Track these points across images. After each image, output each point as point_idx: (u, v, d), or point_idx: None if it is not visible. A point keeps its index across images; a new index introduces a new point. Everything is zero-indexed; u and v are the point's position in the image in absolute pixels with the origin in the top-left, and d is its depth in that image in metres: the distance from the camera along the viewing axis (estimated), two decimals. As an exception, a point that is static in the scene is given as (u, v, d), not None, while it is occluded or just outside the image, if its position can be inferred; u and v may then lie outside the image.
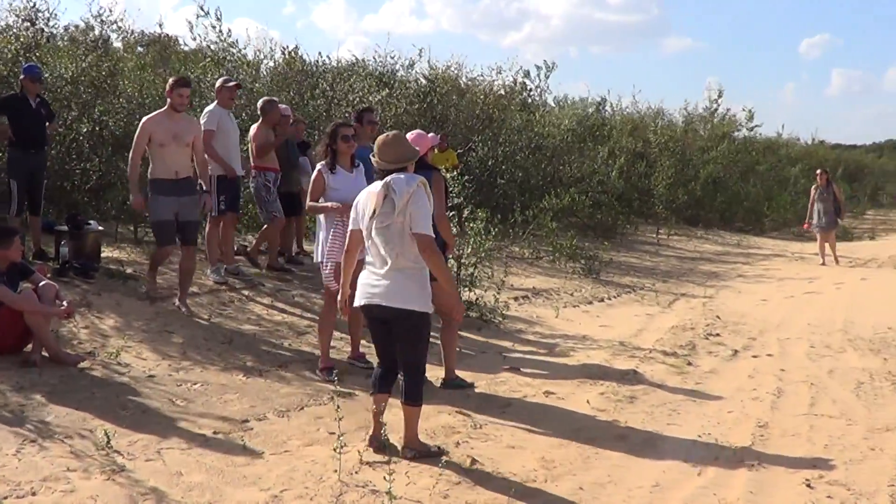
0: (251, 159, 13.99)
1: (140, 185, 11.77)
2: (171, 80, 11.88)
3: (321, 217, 10.02)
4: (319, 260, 10.02)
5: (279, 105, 14.50)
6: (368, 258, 7.56)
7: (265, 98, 14.69)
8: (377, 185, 7.43)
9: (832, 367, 11.49)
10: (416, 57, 25.46)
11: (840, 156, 67.18)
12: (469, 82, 26.45)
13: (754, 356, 12.23)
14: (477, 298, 13.53)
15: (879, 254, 27.38)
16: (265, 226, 14.10)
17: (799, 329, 14.10)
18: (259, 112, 14.12)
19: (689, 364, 11.63)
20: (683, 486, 7.31)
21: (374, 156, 7.58)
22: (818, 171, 25.00)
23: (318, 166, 10.06)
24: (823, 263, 23.64)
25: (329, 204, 9.74)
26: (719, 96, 39.90)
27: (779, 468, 7.76)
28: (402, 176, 7.38)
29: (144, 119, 11.71)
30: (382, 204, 7.23)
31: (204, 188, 12.06)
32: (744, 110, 41.09)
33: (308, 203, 10.10)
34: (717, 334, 13.63)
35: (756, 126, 41.60)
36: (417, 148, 8.67)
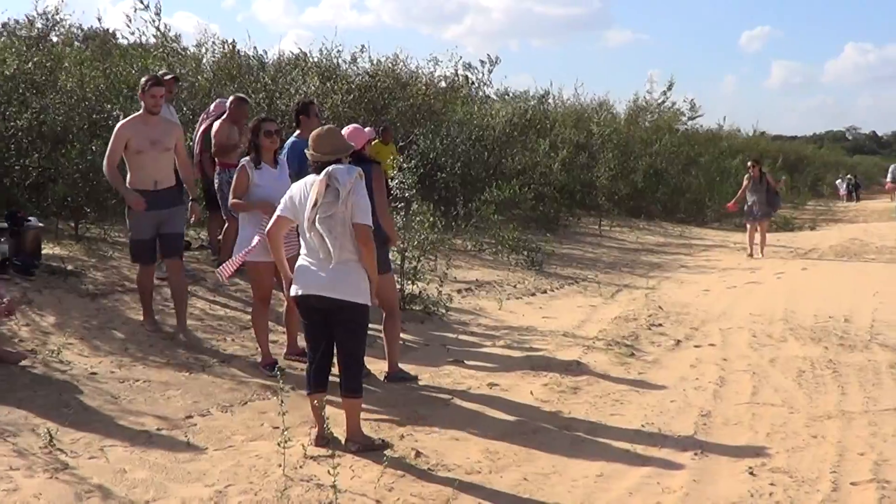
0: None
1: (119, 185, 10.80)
2: (142, 81, 10.96)
3: (243, 215, 9.94)
4: (254, 259, 9.79)
5: (221, 100, 14.42)
6: (305, 249, 7.55)
7: (235, 95, 14.51)
8: (313, 176, 7.43)
9: (774, 357, 11.60)
10: (357, 51, 25.37)
11: (781, 147, 67.68)
12: (410, 75, 26.43)
13: (696, 346, 12.32)
14: (420, 291, 13.54)
15: (820, 244, 27.67)
16: (227, 225, 13.96)
17: (741, 319, 14.22)
18: (228, 106, 13.98)
19: (632, 354, 11.71)
20: (627, 475, 7.37)
21: (308, 149, 7.58)
22: (750, 163, 24.84)
23: (243, 162, 9.96)
24: (751, 254, 23.44)
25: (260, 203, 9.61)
26: (669, 88, 40.21)
27: (721, 457, 7.84)
28: (342, 166, 7.39)
29: (119, 124, 10.81)
30: (325, 193, 7.22)
31: (190, 196, 11.22)
32: (685, 101, 41.40)
33: (232, 200, 9.95)
34: (660, 325, 13.72)
35: (698, 117, 41.96)
36: (354, 142, 8.72)
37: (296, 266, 7.63)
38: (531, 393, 9.71)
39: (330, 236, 7.27)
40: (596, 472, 7.43)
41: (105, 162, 10.66)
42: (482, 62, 28.15)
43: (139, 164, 10.59)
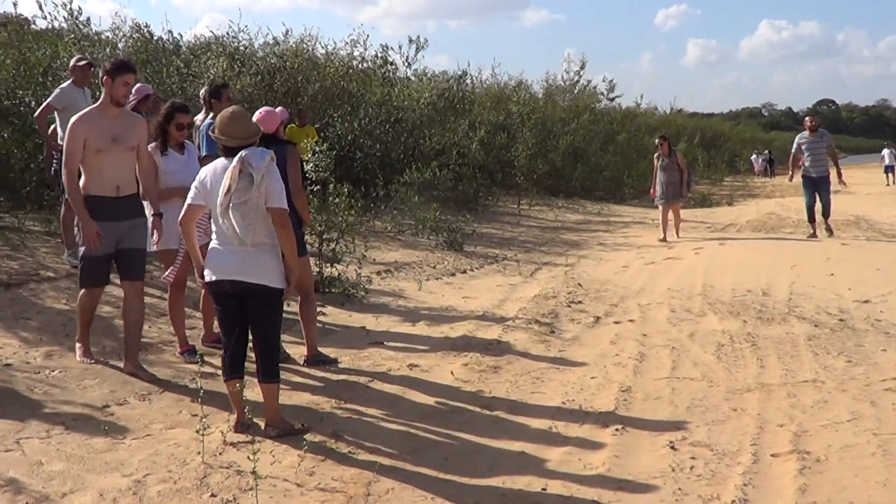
0: None
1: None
2: (108, 65, 9.30)
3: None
4: (163, 247, 9.64)
5: (142, 85, 14.28)
6: (216, 235, 7.45)
7: (218, 82, 14.27)
8: (224, 161, 7.34)
9: (693, 331, 11.69)
10: (265, 32, 25.27)
11: (697, 124, 68.38)
12: (325, 56, 26.31)
13: (616, 322, 12.38)
14: (339, 274, 13.48)
15: (737, 219, 27.98)
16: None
17: (660, 294, 14.31)
18: (208, 98, 13.81)
19: (552, 332, 11.73)
20: (548, 453, 7.37)
21: (214, 131, 7.47)
22: (658, 140, 23.25)
23: (148, 147, 9.55)
24: (664, 239, 22.00)
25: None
26: (582, 67, 40.35)
27: (642, 431, 7.89)
28: (254, 150, 7.30)
29: (74, 119, 9.06)
30: (238, 179, 7.14)
31: (153, 211, 9.39)
32: (603, 80, 41.62)
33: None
34: (580, 302, 13.76)
35: (616, 96, 42.20)
36: (266, 125, 8.66)
37: (208, 251, 7.54)
38: (451, 373, 9.69)
39: (243, 222, 7.19)
40: (517, 450, 7.43)
41: (63, 170, 9.14)
42: (410, 41, 28.22)
43: (97, 166, 8.96)
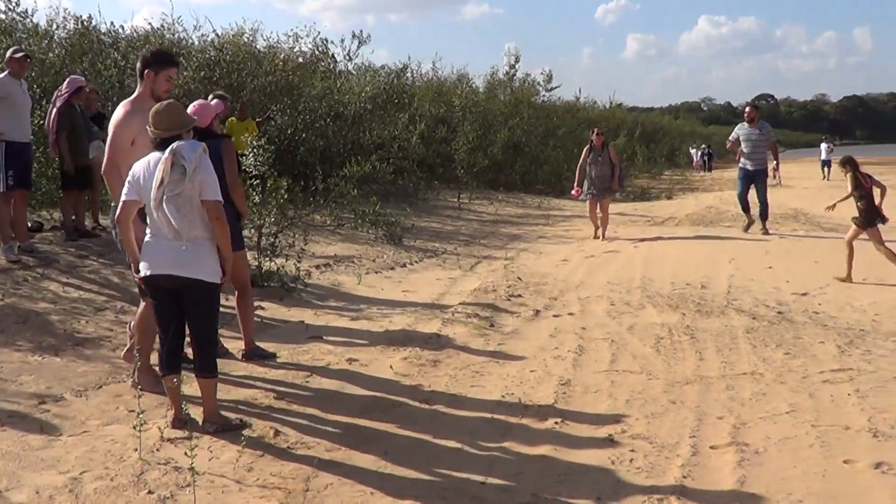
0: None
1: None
2: (149, 56, 8.79)
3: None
4: None
5: (74, 76, 14.23)
6: (151, 228, 7.36)
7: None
8: (157, 154, 7.25)
9: (632, 324, 11.72)
10: (203, 24, 25.13)
11: (637, 118, 68.71)
12: (266, 50, 26.19)
13: (555, 316, 12.39)
14: (278, 268, 13.40)
15: (677, 212, 28.12)
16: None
17: (599, 287, 14.34)
18: None
19: (492, 326, 11.73)
20: (488, 446, 7.37)
21: (149, 125, 7.40)
22: (593, 132, 21.75)
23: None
24: (596, 237, 21.06)
25: None
26: (517, 61, 40.34)
27: (582, 425, 7.88)
28: (186, 143, 7.23)
29: (127, 110, 8.45)
30: (171, 171, 7.06)
31: None
32: (543, 74, 41.66)
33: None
34: (519, 295, 13.75)
35: (555, 88, 42.28)
36: (200, 118, 8.58)
37: (143, 245, 7.45)
38: (391, 367, 9.67)
39: (178, 215, 7.12)
40: (457, 444, 7.42)
41: (107, 165, 8.39)
42: (353, 35, 28.17)
43: (129, 166, 7.82)
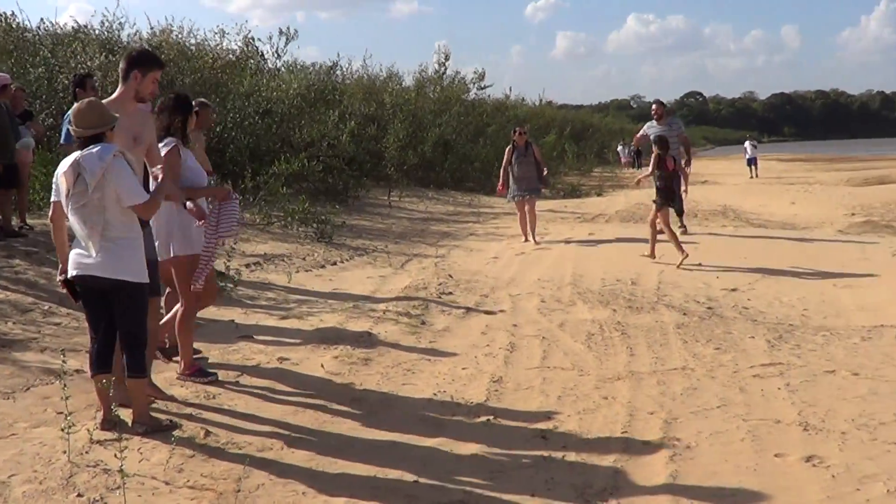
0: None
1: None
2: (134, 55, 8.41)
3: (171, 206, 8.63)
4: (188, 252, 8.85)
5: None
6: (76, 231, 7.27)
7: (199, 101, 14.10)
8: (76, 154, 7.17)
9: (563, 321, 11.75)
10: (135, 20, 24.87)
11: (567, 115, 69.01)
12: (196, 47, 26.00)
13: (487, 313, 12.41)
14: (208, 267, 13.30)
15: (607, 209, 28.29)
16: None
17: (530, 284, 14.37)
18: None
19: (423, 323, 11.72)
20: (421, 444, 7.38)
21: (70, 124, 7.31)
22: (515, 131, 20.61)
23: (173, 142, 8.77)
24: (526, 240, 19.82)
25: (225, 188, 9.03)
26: (446, 59, 40.37)
27: (514, 422, 7.91)
28: (95, 150, 7.11)
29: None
30: (74, 184, 6.98)
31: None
32: (475, 73, 41.72)
33: (175, 182, 8.39)
34: (450, 293, 13.76)
35: (486, 87, 42.33)
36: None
37: (72, 247, 7.36)
38: (322, 366, 9.63)
39: (83, 225, 7.06)
40: (389, 442, 7.41)
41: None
42: (281, 32, 28.04)
43: None
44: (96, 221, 7.07)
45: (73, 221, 7.10)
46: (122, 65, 8.29)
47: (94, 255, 7.09)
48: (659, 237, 16.63)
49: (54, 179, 7.31)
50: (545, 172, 20.59)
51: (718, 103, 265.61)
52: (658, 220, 16.56)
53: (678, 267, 15.51)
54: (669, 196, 16.52)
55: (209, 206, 8.94)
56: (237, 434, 7.51)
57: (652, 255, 16.40)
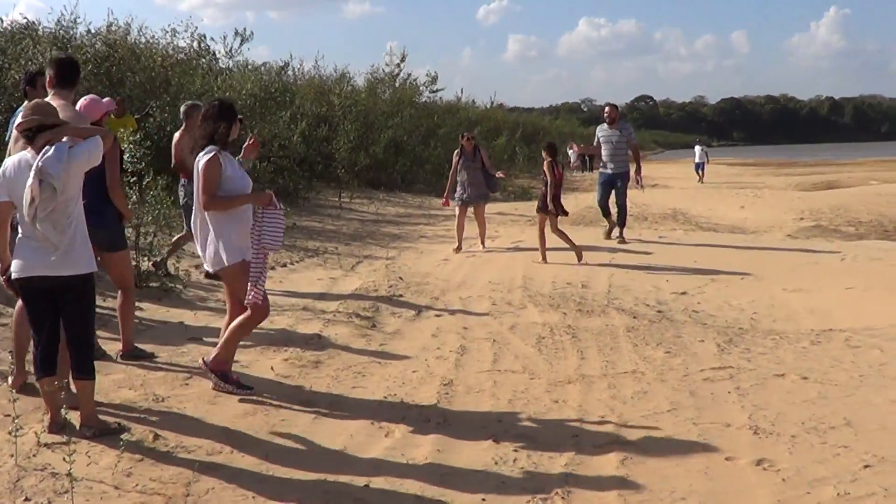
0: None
1: None
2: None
3: (219, 215, 8.51)
4: (232, 260, 8.55)
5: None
6: (25, 231, 7.16)
7: (190, 102, 14.09)
8: (27, 156, 7.09)
9: (514, 324, 11.76)
10: (86, 18, 24.62)
11: (518, 118, 69.09)
12: (146, 45, 25.83)
13: (437, 315, 12.40)
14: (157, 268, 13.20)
15: (557, 212, 28.22)
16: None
17: (480, 287, 14.36)
18: (182, 117, 13.96)
19: (374, 326, 11.69)
20: (371, 448, 7.35)
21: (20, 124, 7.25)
22: (464, 136, 19.80)
23: (213, 151, 8.48)
24: (458, 248, 18.92)
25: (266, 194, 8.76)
26: (402, 60, 40.42)
27: (465, 425, 7.91)
28: (51, 152, 7.04)
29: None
30: (41, 191, 6.90)
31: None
32: (427, 75, 41.79)
33: (212, 194, 8.38)
34: (401, 295, 13.73)
35: (439, 89, 42.43)
36: (89, 114, 8.44)
37: (16, 246, 7.27)
38: (272, 368, 9.58)
39: (55, 231, 6.98)
40: (340, 446, 7.38)
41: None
42: (236, 33, 27.96)
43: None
44: (66, 224, 7.02)
45: (42, 230, 6.97)
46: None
47: (55, 255, 7.02)
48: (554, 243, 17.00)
49: (2, 178, 7.21)
50: (499, 175, 20.05)
51: (669, 107, 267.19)
52: (547, 225, 17.27)
53: (535, 262, 16.69)
54: (556, 203, 17.18)
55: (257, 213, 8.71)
56: (186, 437, 7.44)
57: (542, 259, 17.10)
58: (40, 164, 6.93)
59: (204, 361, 8.81)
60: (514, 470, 6.86)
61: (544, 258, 16.94)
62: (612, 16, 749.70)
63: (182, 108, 14.13)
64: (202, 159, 8.43)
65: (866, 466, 6.78)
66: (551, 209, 17.00)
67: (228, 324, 8.91)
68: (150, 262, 13.62)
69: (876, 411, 8.14)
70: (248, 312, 8.65)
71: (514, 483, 6.59)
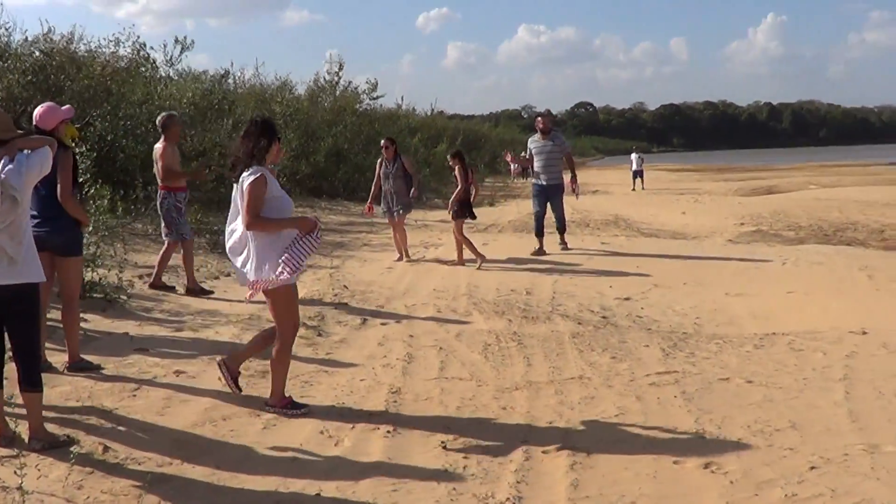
0: (159, 178, 14.06)
1: None
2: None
3: (262, 239, 8.35)
4: (271, 275, 8.31)
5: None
6: None
7: (165, 114, 14.05)
8: None
9: (459, 331, 11.80)
10: (23, 26, 24.39)
11: (458, 125, 69.21)
12: (87, 54, 25.62)
13: (383, 324, 12.41)
14: (101, 278, 13.10)
15: (499, 219, 28.42)
16: (183, 251, 14.29)
17: (425, 295, 14.40)
18: (160, 129, 13.97)
19: (320, 335, 11.69)
20: (322, 456, 7.39)
21: None
22: (384, 142, 19.32)
23: (260, 172, 8.31)
24: (400, 259, 18.81)
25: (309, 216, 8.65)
26: (340, 68, 40.43)
27: (414, 432, 7.94)
28: (12, 165, 7.02)
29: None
30: (2, 202, 6.87)
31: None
32: (367, 83, 41.85)
33: (251, 218, 8.24)
34: (346, 304, 13.73)
35: (379, 96, 42.48)
36: (45, 123, 8.43)
37: None
38: (219, 379, 9.48)
39: (12, 243, 6.96)
40: (290, 455, 7.39)
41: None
42: (176, 41, 27.81)
43: None
44: (22, 235, 7.01)
45: (0, 242, 6.94)
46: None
47: (7, 265, 6.97)
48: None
49: None
50: (414, 190, 18.90)
51: (609, 114, 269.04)
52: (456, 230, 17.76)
53: (478, 269, 16.90)
54: (463, 208, 17.61)
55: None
56: (137, 449, 7.42)
57: (460, 262, 17.80)
58: (3, 176, 6.90)
59: (267, 405, 8.63)
60: (465, 476, 6.89)
61: (461, 260, 17.69)
62: (551, 23, 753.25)
63: (158, 120, 14.21)
64: (247, 179, 8.28)
65: (812, 468, 6.89)
66: (454, 211, 17.68)
67: (261, 337, 9.06)
68: (147, 285, 14.03)
69: (820, 413, 8.26)
70: (278, 339, 8.62)
71: (466, 490, 6.62)
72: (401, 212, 18.77)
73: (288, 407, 8.56)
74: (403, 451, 7.46)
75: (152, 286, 14.09)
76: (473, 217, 17.91)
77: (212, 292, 14.32)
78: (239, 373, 8.97)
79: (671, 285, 15.08)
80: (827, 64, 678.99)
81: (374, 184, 19.19)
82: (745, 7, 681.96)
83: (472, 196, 17.63)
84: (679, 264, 16.94)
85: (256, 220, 8.19)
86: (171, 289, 14.32)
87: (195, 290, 14.15)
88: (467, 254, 17.50)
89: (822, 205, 31.33)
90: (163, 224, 14.28)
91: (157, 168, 13.98)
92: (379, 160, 19.20)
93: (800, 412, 8.29)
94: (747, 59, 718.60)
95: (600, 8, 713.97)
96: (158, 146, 13.92)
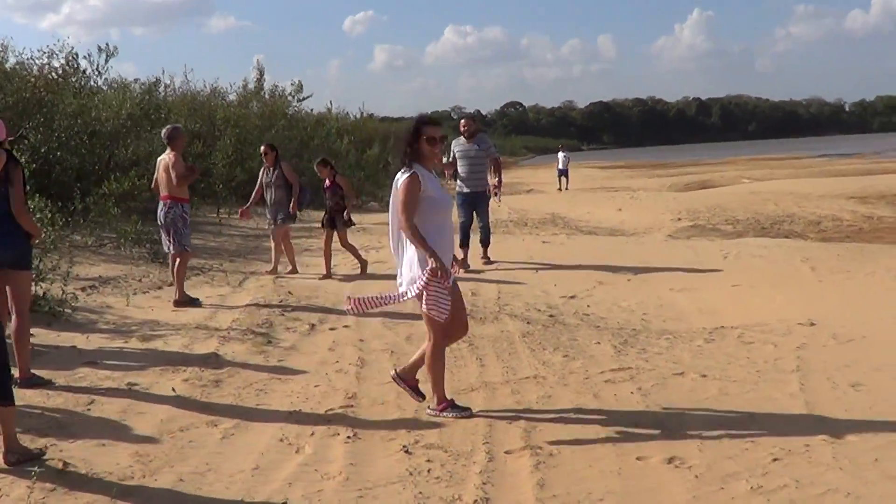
0: (166, 189, 14.43)
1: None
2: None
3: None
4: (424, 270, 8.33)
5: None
6: None
7: (171, 126, 14.01)
8: None
9: (409, 334, 11.81)
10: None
11: (389, 128, 69.12)
12: (19, 66, 25.35)
13: (332, 329, 12.39)
14: (44, 292, 12.96)
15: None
16: (178, 262, 14.44)
17: (371, 299, 14.34)
18: (166, 141, 14.20)
19: (269, 342, 11.64)
20: (284, 465, 7.34)
21: None
22: (264, 148, 18.52)
23: (413, 171, 8.23)
24: (272, 271, 17.71)
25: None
26: (262, 74, 40.44)
27: (375, 437, 7.95)
28: None
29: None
30: None
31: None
32: (292, 85, 41.79)
33: (409, 216, 8.16)
34: (292, 309, 13.69)
35: (306, 99, 42.44)
36: None
37: None
38: (173, 389, 9.47)
39: None
40: (252, 465, 7.35)
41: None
42: (99, 49, 27.49)
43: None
44: None
45: None
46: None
47: None
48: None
49: None
50: (301, 195, 17.88)
51: (538, 112, 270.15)
52: (339, 239, 17.85)
53: (320, 278, 16.99)
54: (333, 217, 17.72)
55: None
56: (97, 464, 7.33)
57: (363, 272, 17.61)
58: None
59: (430, 410, 8.58)
60: (430, 479, 6.88)
61: (328, 272, 17.42)
62: (477, 23, 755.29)
63: (164, 133, 14.58)
64: (400, 178, 8.25)
65: (775, 459, 6.96)
66: (327, 222, 17.89)
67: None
68: (173, 303, 14.16)
69: (777, 405, 8.36)
70: (430, 341, 8.61)
71: (432, 493, 6.61)
72: (280, 221, 17.69)
73: (448, 409, 8.49)
74: (366, 456, 7.44)
75: (177, 303, 14.12)
76: (352, 223, 17.86)
77: (199, 302, 14.46)
78: (417, 380, 8.89)
79: (615, 282, 15.18)
80: (754, 58, 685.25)
81: (255, 190, 18.27)
82: (671, 3, 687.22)
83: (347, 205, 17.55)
84: (621, 261, 17.03)
85: (407, 223, 8.15)
86: (196, 301, 14.40)
87: (184, 302, 14.06)
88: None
89: (757, 198, 31.66)
90: (164, 235, 14.58)
91: (168, 178, 14.30)
92: (262, 169, 18.28)
93: (757, 405, 8.37)
94: (675, 55, 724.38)
95: (527, 7, 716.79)
96: (167, 157, 14.21)
